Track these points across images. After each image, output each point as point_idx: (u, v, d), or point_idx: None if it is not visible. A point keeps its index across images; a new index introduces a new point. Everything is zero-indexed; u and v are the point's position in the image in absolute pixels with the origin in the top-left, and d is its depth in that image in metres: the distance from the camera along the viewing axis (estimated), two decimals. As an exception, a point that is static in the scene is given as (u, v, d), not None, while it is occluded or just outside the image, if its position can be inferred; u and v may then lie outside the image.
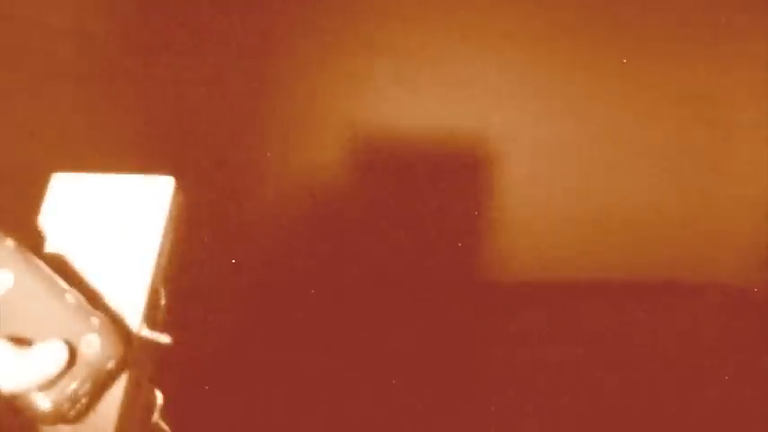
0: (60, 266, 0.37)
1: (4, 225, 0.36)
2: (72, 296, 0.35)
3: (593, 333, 1.64)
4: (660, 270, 1.69)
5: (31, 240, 0.38)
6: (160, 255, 0.39)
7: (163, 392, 0.38)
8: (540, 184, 1.68)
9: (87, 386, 0.34)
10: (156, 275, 0.38)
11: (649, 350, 1.60)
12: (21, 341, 0.34)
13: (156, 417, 0.38)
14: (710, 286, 1.71)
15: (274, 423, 1.38)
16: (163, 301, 0.39)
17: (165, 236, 0.39)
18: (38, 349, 0.34)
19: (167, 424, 0.38)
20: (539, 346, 1.59)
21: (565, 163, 1.69)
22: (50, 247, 0.39)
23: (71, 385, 0.34)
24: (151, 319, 0.38)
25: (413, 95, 1.68)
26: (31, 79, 1.52)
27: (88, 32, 1.58)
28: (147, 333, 0.37)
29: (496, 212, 1.68)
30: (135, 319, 0.37)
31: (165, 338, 0.37)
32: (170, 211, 0.39)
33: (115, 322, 0.36)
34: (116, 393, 0.36)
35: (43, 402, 0.34)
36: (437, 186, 1.66)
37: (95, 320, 0.35)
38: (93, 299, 0.37)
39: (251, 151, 1.63)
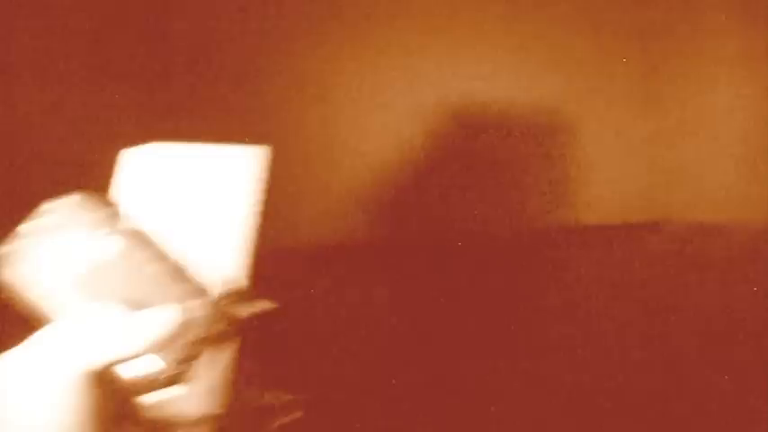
0: (159, 234, 0.37)
1: (103, 193, 0.36)
2: (174, 262, 0.36)
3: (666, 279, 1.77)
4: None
5: (128, 209, 0.38)
6: (253, 220, 0.39)
7: (259, 356, 0.39)
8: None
9: (194, 350, 0.34)
10: (251, 240, 0.38)
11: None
12: (132, 305, 0.34)
13: (252, 380, 0.38)
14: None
15: (366, 381, 1.43)
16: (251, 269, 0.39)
17: (251, 206, 0.39)
18: (150, 313, 0.34)
19: (263, 387, 0.39)
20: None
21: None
22: (145, 215, 0.39)
23: (179, 350, 0.34)
24: (250, 284, 0.38)
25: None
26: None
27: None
28: (246, 298, 0.37)
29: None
30: (236, 284, 0.37)
31: (265, 304, 0.38)
32: (258, 179, 0.40)
33: (217, 287, 0.36)
34: (221, 357, 0.36)
35: (152, 367, 0.34)
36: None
37: (198, 286, 0.35)
38: (194, 264, 0.37)
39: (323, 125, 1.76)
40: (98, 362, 0.32)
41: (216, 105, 1.70)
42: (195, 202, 0.39)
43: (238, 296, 0.37)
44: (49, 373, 0.31)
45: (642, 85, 2.47)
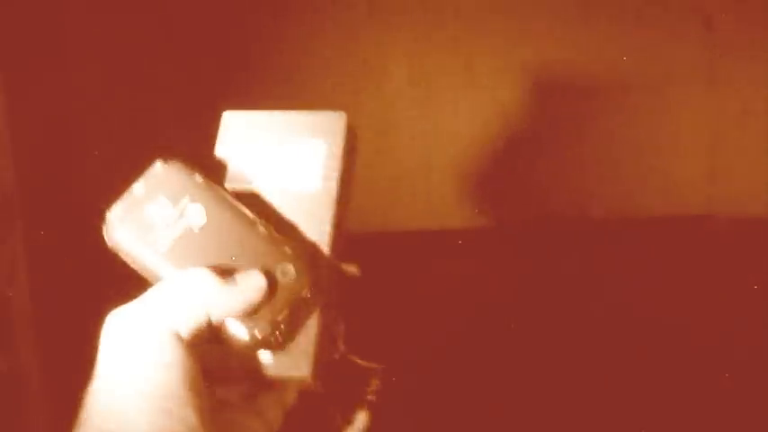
0: (244, 200, 0.38)
1: (188, 160, 0.37)
2: (262, 227, 0.36)
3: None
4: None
5: (212, 177, 0.39)
6: (339, 186, 0.39)
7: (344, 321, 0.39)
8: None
9: (285, 313, 0.35)
10: (338, 206, 0.39)
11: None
12: (220, 271, 0.34)
13: (341, 345, 0.39)
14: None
15: (451, 353, 1.48)
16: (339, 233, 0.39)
17: (340, 169, 0.39)
18: (239, 278, 0.35)
19: (354, 353, 0.39)
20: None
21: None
22: (230, 181, 0.39)
23: (270, 313, 0.35)
24: (336, 249, 0.38)
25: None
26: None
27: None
28: (334, 262, 0.38)
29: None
30: (323, 249, 0.38)
31: (352, 268, 0.38)
32: (344, 145, 0.40)
33: (306, 251, 0.37)
34: (311, 321, 0.36)
35: (245, 330, 0.34)
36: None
37: (288, 249, 0.36)
38: (280, 228, 0.37)
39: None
40: (191, 325, 0.33)
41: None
42: (282, 167, 0.40)
43: (325, 262, 0.38)
44: (148, 332, 0.32)
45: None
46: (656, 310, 2.08)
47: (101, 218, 0.36)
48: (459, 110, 3.06)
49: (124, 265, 0.36)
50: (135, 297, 0.34)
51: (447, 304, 1.64)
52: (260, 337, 0.34)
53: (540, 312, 1.99)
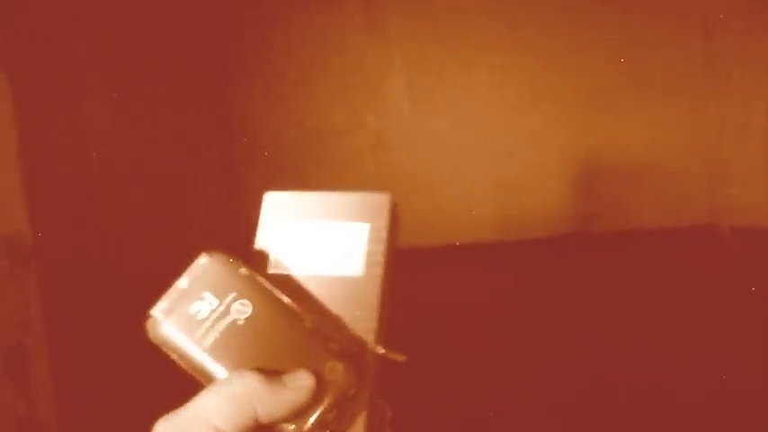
0: (288, 288, 0.37)
1: (226, 248, 0.37)
2: (309, 321, 0.36)
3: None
4: None
5: (255, 263, 0.38)
6: (384, 270, 0.38)
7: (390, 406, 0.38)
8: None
9: (334, 412, 0.34)
10: (383, 291, 0.38)
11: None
12: (268, 371, 0.34)
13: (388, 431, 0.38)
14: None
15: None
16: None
17: (385, 253, 0.39)
18: (287, 379, 0.34)
19: None
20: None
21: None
22: (273, 267, 0.39)
23: (318, 412, 0.34)
24: (382, 335, 0.37)
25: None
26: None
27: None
28: (381, 351, 0.37)
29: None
30: (369, 337, 0.37)
31: (399, 356, 0.37)
32: (388, 227, 0.39)
33: (353, 345, 0.36)
34: (358, 416, 0.36)
35: (293, 430, 0.34)
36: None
37: (335, 346, 0.35)
38: (326, 321, 0.37)
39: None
40: (240, 428, 0.33)
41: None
42: (325, 251, 0.39)
43: (372, 353, 0.37)
44: None
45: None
46: (664, 316, 2.11)
47: (144, 314, 0.36)
48: (459, 123, 3.05)
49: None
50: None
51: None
52: None
53: (544, 317, 2.02)
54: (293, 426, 0.34)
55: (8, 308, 1.44)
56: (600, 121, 3.24)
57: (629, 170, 3.22)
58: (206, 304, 0.35)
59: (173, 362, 0.36)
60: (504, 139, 3.26)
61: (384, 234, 0.39)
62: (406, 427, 0.39)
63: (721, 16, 2.53)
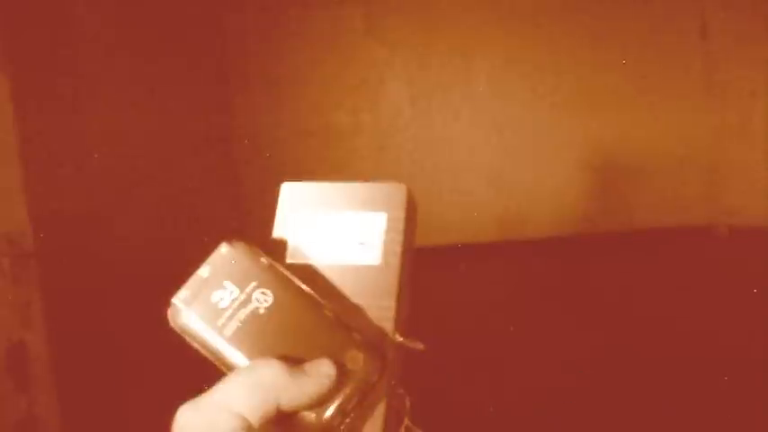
0: (307, 278, 0.37)
1: (243, 237, 0.37)
2: (329, 311, 0.36)
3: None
4: None
5: (275, 252, 0.38)
6: (402, 259, 0.38)
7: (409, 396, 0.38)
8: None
9: (354, 400, 0.34)
10: (401, 280, 0.38)
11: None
12: (289, 360, 0.34)
13: (406, 421, 0.38)
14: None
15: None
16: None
17: (402, 242, 0.38)
18: (308, 368, 0.34)
19: (417, 427, 0.38)
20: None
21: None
22: (291, 256, 0.39)
23: (339, 401, 0.34)
24: (400, 324, 0.37)
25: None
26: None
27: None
28: (400, 340, 0.37)
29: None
30: (388, 326, 0.37)
31: (418, 345, 0.37)
32: (405, 217, 0.39)
33: (373, 334, 0.36)
34: (379, 405, 0.36)
35: (314, 418, 0.34)
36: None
37: (356, 335, 0.35)
38: (346, 310, 0.37)
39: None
40: (262, 415, 0.33)
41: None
42: (344, 241, 0.39)
43: (391, 342, 0.37)
44: (220, 425, 0.32)
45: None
46: (665, 315, 2.12)
47: (166, 303, 0.36)
48: (459, 124, 3.06)
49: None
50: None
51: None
52: (330, 424, 0.34)
53: (544, 317, 2.02)
54: (314, 414, 0.34)
55: (9, 306, 1.44)
56: (600, 121, 3.25)
57: (628, 170, 3.23)
58: (227, 293, 0.35)
59: (194, 350, 0.36)
60: (505, 139, 3.27)
61: (401, 223, 0.39)
62: (423, 415, 0.39)
63: (721, 17, 2.54)
